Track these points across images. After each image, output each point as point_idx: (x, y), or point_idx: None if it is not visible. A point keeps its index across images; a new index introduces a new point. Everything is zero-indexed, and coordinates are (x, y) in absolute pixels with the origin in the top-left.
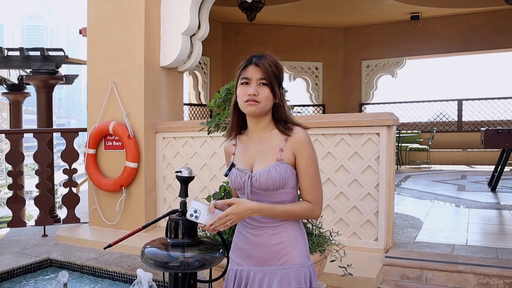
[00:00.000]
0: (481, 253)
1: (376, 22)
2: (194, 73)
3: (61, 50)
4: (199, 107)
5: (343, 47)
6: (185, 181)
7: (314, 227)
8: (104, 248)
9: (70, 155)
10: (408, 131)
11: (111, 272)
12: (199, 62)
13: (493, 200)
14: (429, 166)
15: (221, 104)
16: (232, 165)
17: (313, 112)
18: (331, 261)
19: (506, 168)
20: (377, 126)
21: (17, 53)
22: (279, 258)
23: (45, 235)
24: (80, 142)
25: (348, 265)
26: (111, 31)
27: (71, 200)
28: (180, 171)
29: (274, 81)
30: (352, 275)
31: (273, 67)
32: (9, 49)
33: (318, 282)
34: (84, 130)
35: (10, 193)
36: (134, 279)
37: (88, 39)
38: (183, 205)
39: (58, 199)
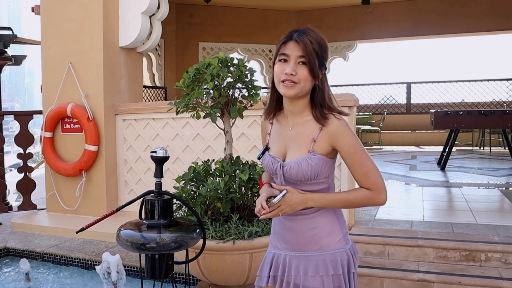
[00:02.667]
0: (438, 228)
1: (329, 6)
2: (148, 55)
3: (8, 28)
4: (154, 89)
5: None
6: (160, 161)
7: None
8: (77, 232)
9: (24, 139)
10: (360, 113)
11: (75, 258)
12: None
13: (443, 179)
14: (381, 147)
15: (190, 84)
16: (266, 148)
17: (267, 94)
18: None
19: (454, 149)
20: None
21: None
22: (314, 244)
23: None
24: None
25: None
26: (68, 9)
27: (27, 186)
28: (155, 151)
29: (314, 61)
30: None
31: (315, 44)
32: None
33: None
34: (40, 112)
35: None
36: (99, 265)
37: (42, 17)
38: (159, 185)
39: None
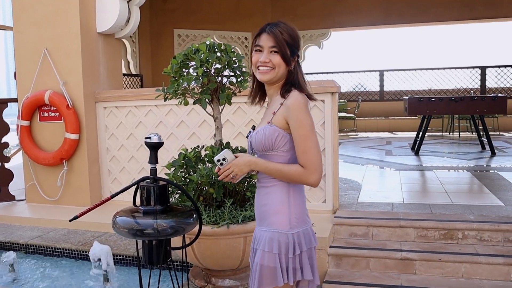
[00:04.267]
0: (417, 209)
1: None
2: (123, 42)
3: None
4: (129, 77)
5: (271, 18)
6: (154, 147)
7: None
8: (70, 221)
9: (0, 128)
10: None
11: (60, 249)
12: None
13: (417, 163)
14: (356, 133)
15: (178, 70)
16: (253, 128)
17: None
18: None
19: (427, 134)
20: (322, 93)
21: None
22: (264, 219)
23: None
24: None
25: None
26: None
27: (4, 177)
28: (150, 137)
29: (285, 49)
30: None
31: (285, 35)
32: None
33: None
34: (15, 100)
35: None
36: (85, 254)
37: (13, 0)
38: (154, 172)
39: None
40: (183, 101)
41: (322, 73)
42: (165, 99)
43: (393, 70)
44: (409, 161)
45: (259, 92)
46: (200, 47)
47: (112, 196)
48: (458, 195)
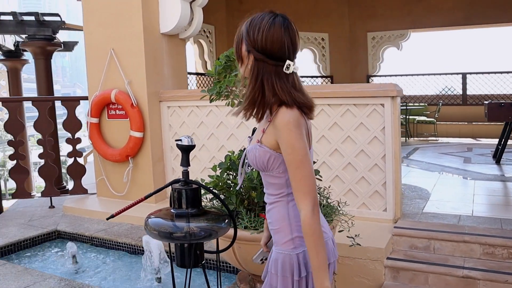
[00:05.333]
0: (486, 223)
1: None
2: (199, 42)
3: (57, 15)
4: (206, 76)
5: (348, 18)
6: (185, 150)
7: (321, 197)
8: (107, 219)
9: (72, 124)
10: (415, 104)
11: (121, 243)
12: (204, 30)
13: (497, 172)
14: (436, 138)
15: (222, 71)
16: (253, 130)
17: (322, 83)
18: (339, 231)
19: (510, 141)
20: (381, 97)
21: (10, 17)
22: (274, 239)
23: (52, 206)
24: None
25: (356, 235)
26: None
27: (77, 171)
28: (180, 140)
29: (238, 47)
30: (360, 245)
31: (242, 28)
32: (1, 13)
33: None
34: (86, 98)
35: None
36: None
37: (83, 3)
38: (185, 174)
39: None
40: (230, 103)
41: (399, 75)
42: (211, 101)
43: (477, 73)
44: (488, 170)
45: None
46: None
47: (146, 197)
48: None
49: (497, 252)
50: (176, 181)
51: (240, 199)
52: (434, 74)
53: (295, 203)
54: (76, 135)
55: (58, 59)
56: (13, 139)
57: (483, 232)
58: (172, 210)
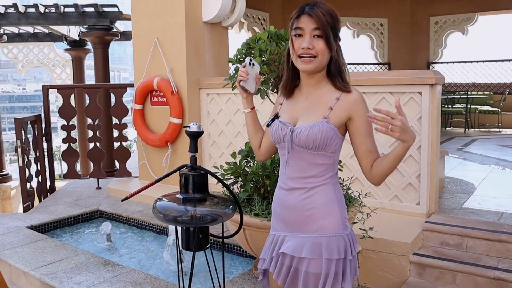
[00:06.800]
0: None
1: None
2: (254, 29)
3: (115, 6)
4: None
5: (410, 2)
6: (194, 136)
7: (342, 187)
8: (122, 200)
9: (119, 110)
10: (479, 93)
11: (154, 225)
12: (258, 18)
13: None
14: (500, 129)
15: (243, 59)
16: (276, 116)
17: (379, 71)
18: (353, 223)
19: None
20: (419, 85)
21: (73, 9)
22: (311, 224)
23: (98, 187)
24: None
25: (369, 228)
26: None
27: (122, 155)
28: (189, 126)
29: (329, 33)
30: (372, 238)
31: (328, 16)
32: (65, 6)
33: None
34: (132, 86)
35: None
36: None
37: None
38: (193, 160)
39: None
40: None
41: (464, 61)
42: (233, 88)
43: None
44: None
45: (295, 81)
46: (261, 36)
47: (157, 181)
48: None
49: None
50: (183, 166)
51: (256, 187)
52: (502, 61)
53: (338, 185)
54: (123, 121)
55: (128, 48)
56: (66, 124)
57: None
58: (178, 195)
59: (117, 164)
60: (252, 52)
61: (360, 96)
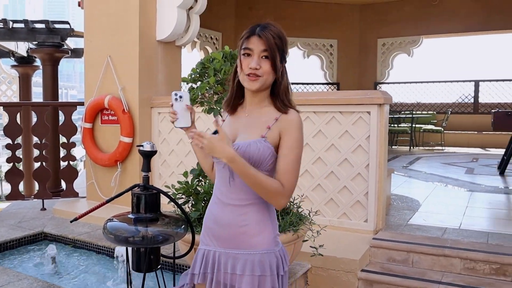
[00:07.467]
0: (472, 237)
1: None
2: (206, 49)
3: (66, 22)
4: None
5: (359, 25)
6: (147, 156)
7: (292, 205)
8: (71, 222)
9: (68, 129)
10: (423, 112)
11: (102, 246)
12: (211, 37)
13: (499, 184)
14: (443, 148)
15: (197, 78)
16: (215, 132)
17: (327, 90)
18: (304, 241)
19: None
20: (368, 105)
21: (22, 25)
22: (244, 242)
23: (43, 208)
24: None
25: (320, 246)
26: (107, 3)
27: (69, 174)
28: (142, 145)
29: (276, 55)
30: (322, 255)
31: (277, 39)
32: (14, 21)
33: (303, 262)
34: (82, 104)
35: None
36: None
37: (85, 11)
38: (146, 179)
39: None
40: (206, 109)
41: (409, 82)
42: None
43: (490, 81)
44: (489, 182)
45: (238, 99)
46: (216, 56)
47: (108, 201)
48: None
49: (479, 267)
50: (136, 186)
51: (207, 206)
52: (445, 82)
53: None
54: (72, 140)
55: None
56: (11, 143)
57: (466, 246)
58: (130, 215)
59: (63, 184)
60: (207, 71)
61: (294, 118)
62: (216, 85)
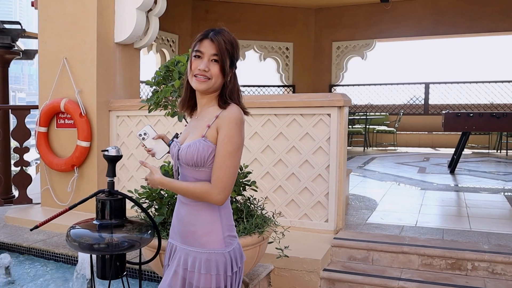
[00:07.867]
0: (428, 234)
1: (347, 4)
2: (162, 51)
3: (17, 23)
4: None
5: (314, 28)
6: (112, 160)
7: (256, 208)
8: (31, 230)
9: (21, 134)
10: (377, 113)
11: (59, 254)
12: (167, 40)
13: (449, 182)
14: (395, 148)
15: (161, 81)
16: (175, 136)
17: (284, 93)
18: (269, 242)
19: (467, 151)
20: (328, 107)
21: None
22: (194, 240)
23: None
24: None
25: (285, 247)
26: (63, 3)
27: (22, 180)
28: (107, 150)
29: (226, 60)
30: (287, 256)
31: (228, 44)
32: None
33: (266, 264)
34: (36, 107)
35: None
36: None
37: (39, 11)
38: (111, 185)
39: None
40: (169, 113)
41: (362, 84)
42: (150, 111)
43: (439, 83)
44: (440, 180)
45: (192, 100)
46: (180, 59)
47: (70, 208)
48: (480, 220)
49: (435, 263)
50: (100, 192)
51: (171, 210)
52: (397, 84)
53: (228, 203)
54: (25, 144)
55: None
56: None
57: (422, 243)
58: (95, 222)
59: (15, 191)
60: (171, 74)
61: (229, 113)
62: (180, 89)
